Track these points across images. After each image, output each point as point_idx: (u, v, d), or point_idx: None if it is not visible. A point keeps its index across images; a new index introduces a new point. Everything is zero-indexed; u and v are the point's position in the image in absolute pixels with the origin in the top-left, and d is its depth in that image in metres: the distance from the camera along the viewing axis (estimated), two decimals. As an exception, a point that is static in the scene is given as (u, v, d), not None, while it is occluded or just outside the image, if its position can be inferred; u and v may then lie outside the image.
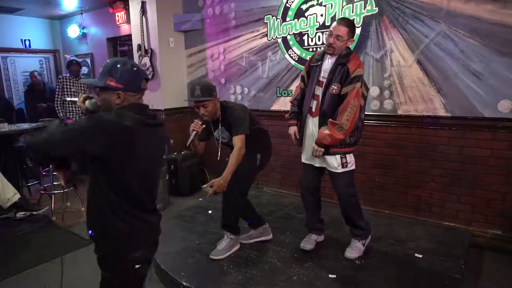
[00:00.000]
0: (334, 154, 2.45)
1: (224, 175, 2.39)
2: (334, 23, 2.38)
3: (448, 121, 3.06)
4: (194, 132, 2.44)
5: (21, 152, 4.49)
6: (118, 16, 5.44)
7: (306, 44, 3.74)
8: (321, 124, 2.46)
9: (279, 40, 3.94)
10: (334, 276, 2.44)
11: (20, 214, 3.53)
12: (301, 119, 2.64)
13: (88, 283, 2.75)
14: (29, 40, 6.43)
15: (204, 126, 2.46)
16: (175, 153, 4.66)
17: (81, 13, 6.10)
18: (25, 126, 4.18)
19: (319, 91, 2.48)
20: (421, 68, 3.12)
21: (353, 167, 2.52)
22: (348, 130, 2.34)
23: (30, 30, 6.42)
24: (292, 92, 3.90)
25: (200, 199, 4.41)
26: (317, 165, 2.59)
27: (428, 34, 3.04)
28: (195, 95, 2.42)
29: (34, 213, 3.61)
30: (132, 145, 1.46)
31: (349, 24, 2.38)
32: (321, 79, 2.48)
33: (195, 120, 2.47)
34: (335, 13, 3.49)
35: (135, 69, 1.55)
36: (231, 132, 2.53)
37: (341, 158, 2.46)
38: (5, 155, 4.04)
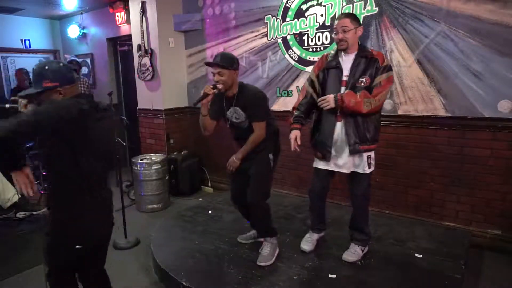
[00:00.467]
0: (364, 151, 2.36)
1: (237, 155, 2.52)
2: (336, 21, 2.39)
3: (448, 121, 3.06)
4: (204, 94, 2.38)
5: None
6: (118, 16, 5.44)
7: (306, 44, 3.74)
8: (350, 125, 2.35)
9: (279, 40, 3.94)
10: (334, 276, 2.44)
11: (20, 214, 3.54)
12: (305, 124, 2.53)
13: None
14: (29, 40, 6.43)
15: (215, 90, 2.40)
16: (175, 153, 4.67)
17: (81, 13, 6.10)
18: (25, 126, 4.18)
19: (342, 91, 2.36)
20: (421, 68, 3.12)
21: (374, 167, 2.47)
22: (373, 109, 2.28)
23: (30, 30, 6.42)
24: (293, 93, 3.92)
25: (200, 199, 4.41)
26: (345, 171, 2.44)
27: (428, 34, 3.04)
28: (215, 60, 2.43)
29: (34, 213, 3.62)
30: (86, 126, 1.62)
31: (348, 14, 2.41)
32: (344, 78, 2.39)
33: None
34: (335, 13, 3.48)
35: (61, 64, 1.71)
36: (249, 115, 2.48)
37: (368, 158, 2.40)
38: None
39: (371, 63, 2.32)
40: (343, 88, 2.38)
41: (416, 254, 2.67)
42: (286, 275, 2.47)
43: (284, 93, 4.00)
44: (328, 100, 2.32)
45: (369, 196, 2.55)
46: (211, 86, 2.41)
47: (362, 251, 2.62)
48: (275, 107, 4.09)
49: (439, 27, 2.98)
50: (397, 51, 3.21)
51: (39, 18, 6.51)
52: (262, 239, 2.75)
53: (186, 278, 2.45)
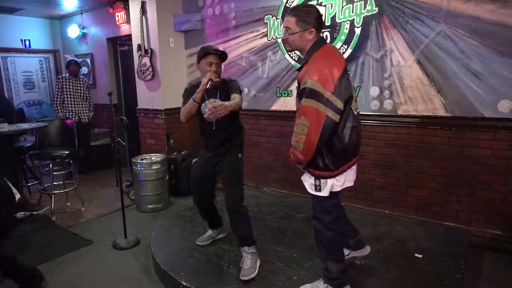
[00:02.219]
0: (309, 172, 2.04)
1: (230, 103, 2.32)
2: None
3: (448, 121, 3.06)
4: (209, 80, 2.40)
5: (21, 152, 4.49)
6: (118, 16, 5.44)
7: (306, 44, 3.74)
8: None
9: (279, 40, 3.94)
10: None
11: (20, 214, 3.54)
12: None
13: (89, 283, 2.76)
14: (29, 40, 6.43)
15: (218, 80, 2.46)
16: (175, 153, 4.66)
17: (81, 13, 6.10)
18: (25, 126, 4.18)
19: None
20: (421, 68, 3.12)
21: (327, 194, 1.99)
22: (305, 152, 1.89)
23: (30, 30, 6.42)
24: (292, 93, 3.92)
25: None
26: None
27: (428, 34, 3.04)
28: (215, 49, 2.48)
29: (34, 213, 3.62)
30: None
31: (296, 12, 1.97)
32: None
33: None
34: (335, 13, 3.49)
35: None
36: (230, 92, 2.49)
37: (315, 180, 2.01)
38: (5, 155, 4.03)
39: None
40: None
41: (416, 254, 2.67)
42: (286, 275, 2.47)
43: (284, 93, 4.00)
44: None
45: (326, 223, 2.07)
46: (215, 75, 2.44)
47: None
48: (275, 107, 4.10)
49: (439, 27, 2.98)
50: (397, 51, 3.21)
51: (39, 18, 6.51)
52: (242, 250, 2.55)
53: (186, 278, 2.45)
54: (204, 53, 2.47)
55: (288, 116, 4.02)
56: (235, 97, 2.44)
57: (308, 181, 2.06)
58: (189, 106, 2.47)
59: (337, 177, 1.98)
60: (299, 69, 2.00)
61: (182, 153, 4.67)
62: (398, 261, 2.60)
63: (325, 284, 2.15)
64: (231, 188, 2.54)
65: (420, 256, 2.65)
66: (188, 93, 2.56)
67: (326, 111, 1.81)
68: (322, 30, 3.58)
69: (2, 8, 5.67)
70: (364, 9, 3.32)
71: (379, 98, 3.37)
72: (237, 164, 2.58)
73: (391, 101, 3.31)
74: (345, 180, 2.02)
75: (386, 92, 3.32)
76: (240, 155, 2.61)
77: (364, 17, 3.34)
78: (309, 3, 3.63)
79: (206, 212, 2.88)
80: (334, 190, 2.00)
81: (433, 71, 3.07)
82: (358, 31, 3.39)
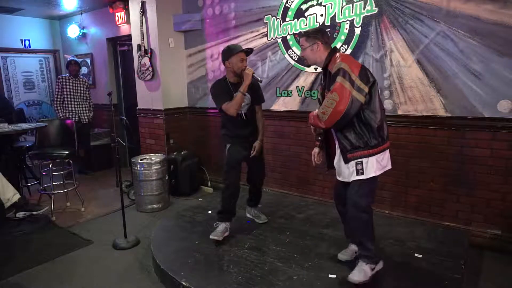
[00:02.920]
0: (354, 159, 2.23)
1: (260, 137, 3.06)
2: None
3: (448, 121, 3.07)
4: (252, 74, 2.81)
5: (21, 152, 4.49)
6: (118, 16, 5.44)
7: (306, 44, 3.74)
8: (337, 135, 2.31)
9: (279, 40, 3.94)
10: (334, 276, 2.44)
11: (20, 214, 3.54)
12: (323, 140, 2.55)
13: (88, 283, 2.76)
14: (29, 40, 6.43)
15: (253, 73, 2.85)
16: (175, 153, 4.66)
17: (81, 13, 6.10)
18: (25, 126, 4.18)
19: None
20: (421, 68, 3.12)
21: (371, 174, 2.22)
22: (327, 122, 2.16)
23: (30, 30, 6.42)
24: (292, 93, 3.93)
25: (200, 199, 4.41)
26: (339, 178, 2.40)
27: (428, 34, 3.04)
28: (249, 48, 2.96)
29: (34, 213, 3.61)
30: None
31: (305, 32, 2.39)
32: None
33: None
34: (335, 13, 3.49)
35: None
36: (256, 98, 3.03)
37: (356, 164, 2.23)
38: (5, 155, 4.03)
39: (327, 75, 2.30)
40: None
41: (416, 254, 2.67)
42: (286, 275, 2.47)
43: (284, 93, 4.00)
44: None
45: (362, 207, 2.26)
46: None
47: (372, 269, 2.33)
48: (274, 107, 4.10)
49: (439, 27, 2.98)
50: (397, 51, 3.21)
51: (39, 18, 6.51)
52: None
53: (186, 278, 2.45)
54: (237, 51, 2.84)
55: (288, 116, 4.02)
56: (258, 111, 3.09)
57: (348, 170, 2.28)
58: (239, 99, 2.81)
59: (377, 156, 2.22)
60: (324, 70, 2.35)
61: (182, 153, 4.67)
62: (398, 261, 2.60)
63: (368, 264, 2.32)
64: (262, 167, 3.24)
65: (420, 256, 2.65)
66: (223, 88, 2.93)
67: (352, 90, 2.10)
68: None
69: (2, 8, 5.67)
70: (364, 9, 3.33)
71: (379, 98, 3.37)
72: (262, 147, 3.14)
73: (391, 101, 3.31)
74: (386, 162, 2.29)
75: (386, 92, 3.32)
76: (228, 145, 3.07)
77: (364, 17, 3.34)
78: (309, 3, 3.64)
79: (238, 195, 3.06)
80: (376, 173, 2.24)
81: (433, 71, 3.07)
82: (358, 31, 3.40)
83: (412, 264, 2.56)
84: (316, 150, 2.59)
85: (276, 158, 4.19)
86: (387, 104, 3.32)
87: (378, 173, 2.25)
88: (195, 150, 4.92)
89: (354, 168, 2.24)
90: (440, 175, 3.17)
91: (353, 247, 2.59)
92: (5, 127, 3.85)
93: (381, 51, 3.30)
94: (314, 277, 2.44)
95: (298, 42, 2.41)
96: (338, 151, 2.36)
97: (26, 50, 6.46)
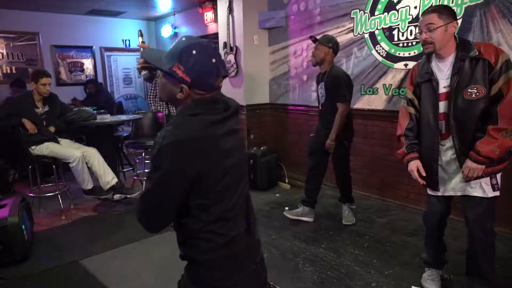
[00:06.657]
0: (489, 175, 1.90)
1: (331, 136, 3.12)
2: (420, 17, 1.99)
3: None
4: None
5: (119, 140, 5.00)
6: (206, 15, 5.73)
7: (396, 39, 3.52)
8: (463, 141, 1.93)
9: (366, 36, 3.76)
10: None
11: (117, 196, 3.93)
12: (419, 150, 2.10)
13: (174, 263, 2.95)
14: (128, 40, 7.13)
15: None
16: (254, 148, 4.76)
17: (174, 14, 6.56)
18: (124, 117, 4.64)
19: (443, 107, 1.98)
20: (535, 63, 2.72)
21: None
22: None
23: (129, 31, 7.10)
24: (378, 91, 3.72)
25: (277, 194, 4.44)
26: (459, 193, 2.02)
27: (547, 25, 2.63)
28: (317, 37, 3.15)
29: (128, 196, 3.98)
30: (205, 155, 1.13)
31: (436, 8, 1.93)
32: (441, 91, 1.97)
33: None
34: (432, 4, 3.21)
35: (213, 61, 1.18)
36: (331, 94, 3.14)
37: (491, 179, 1.92)
38: (106, 142, 4.52)
39: (479, 65, 1.85)
40: (442, 104, 1.97)
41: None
42: (364, 281, 2.37)
43: (369, 91, 3.82)
44: (476, 168, 1.87)
45: (491, 229, 1.96)
46: None
47: None
48: (358, 105, 3.93)
49: (562, 16, 2.56)
50: (506, 45, 2.84)
51: (138, 20, 7.17)
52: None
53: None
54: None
55: (372, 115, 3.83)
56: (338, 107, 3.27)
57: (482, 186, 1.94)
58: None
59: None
60: (466, 59, 1.88)
61: (262, 148, 4.74)
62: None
63: None
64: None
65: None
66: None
67: None
68: (416, 24, 3.35)
69: (108, 12, 6.37)
70: (466, -1, 3.00)
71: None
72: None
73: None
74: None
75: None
76: (346, 142, 3.33)
77: (466, 8, 3.01)
78: (402, -6, 3.40)
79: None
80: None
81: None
82: (458, 23, 3.07)
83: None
84: (417, 162, 2.05)
85: (357, 158, 4.02)
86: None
87: None
88: (274, 146, 4.96)
89: (489, 183, 1.91)
90: None
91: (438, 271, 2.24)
92: (108, 118, 4.32)
93: (490, 43, 2.94)
94: (395, 287, 2.30)
95: (419, 23, 1.98)
96: (448, 157, 2.00)
97: (126, 49, 7.17)
